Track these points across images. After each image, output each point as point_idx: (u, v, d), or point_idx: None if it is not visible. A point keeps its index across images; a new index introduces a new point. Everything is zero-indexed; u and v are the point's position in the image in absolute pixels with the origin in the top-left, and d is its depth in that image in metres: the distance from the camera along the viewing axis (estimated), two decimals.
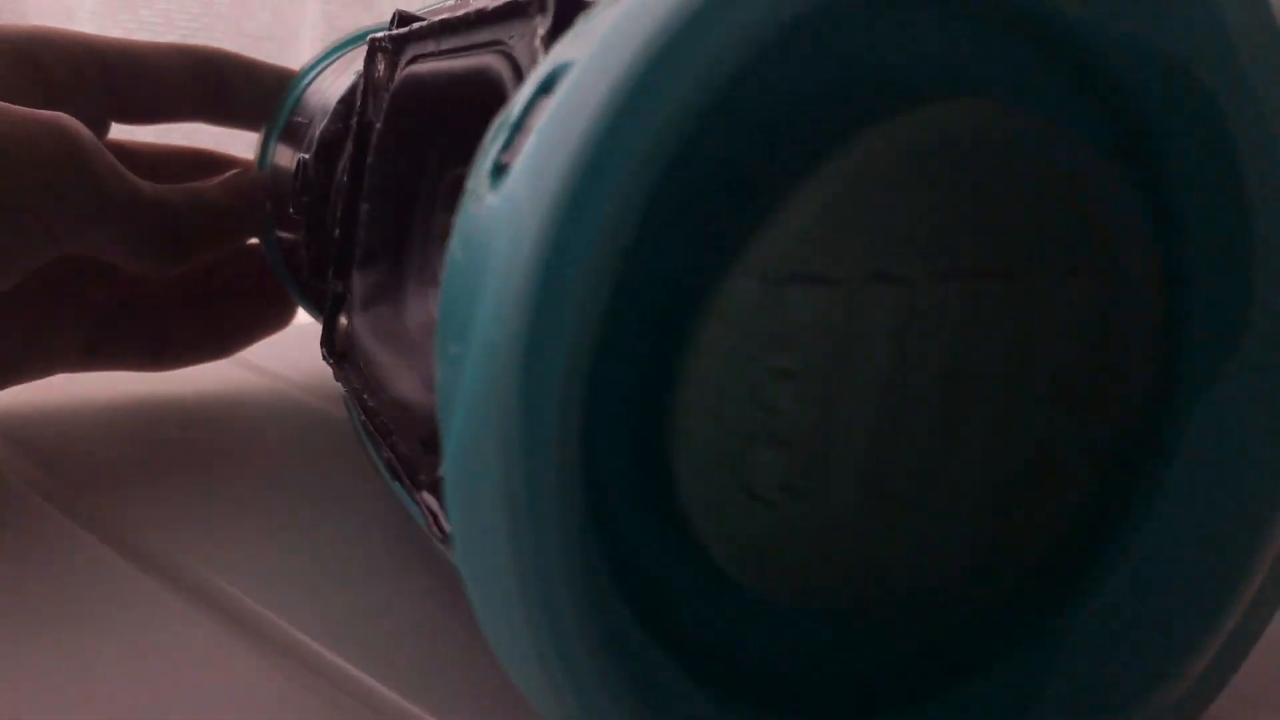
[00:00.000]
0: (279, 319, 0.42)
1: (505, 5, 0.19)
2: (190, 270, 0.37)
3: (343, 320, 0.29)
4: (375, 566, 0.27)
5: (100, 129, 0.38)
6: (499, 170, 0.15)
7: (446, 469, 0.14)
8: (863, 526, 0.17)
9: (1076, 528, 0.20)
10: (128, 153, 0.39)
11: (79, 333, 0.37)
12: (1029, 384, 0.17)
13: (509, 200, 0.14)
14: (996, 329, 0.16)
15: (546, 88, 0.15)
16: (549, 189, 0.13)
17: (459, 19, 0.21)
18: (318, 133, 0.30)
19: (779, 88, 0.15)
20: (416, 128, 0.26)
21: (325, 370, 0.45)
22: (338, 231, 0.29)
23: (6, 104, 0.29)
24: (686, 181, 0.15)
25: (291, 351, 0.46)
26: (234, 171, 0.37)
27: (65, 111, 0.31)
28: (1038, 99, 0.17)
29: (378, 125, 0.27)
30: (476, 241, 0.14)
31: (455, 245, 0.15)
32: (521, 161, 0.14)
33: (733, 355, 0.15)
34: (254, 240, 0.39)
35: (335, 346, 0.29)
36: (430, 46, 0.24)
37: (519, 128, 0.15)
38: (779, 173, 0.15)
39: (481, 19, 0.20)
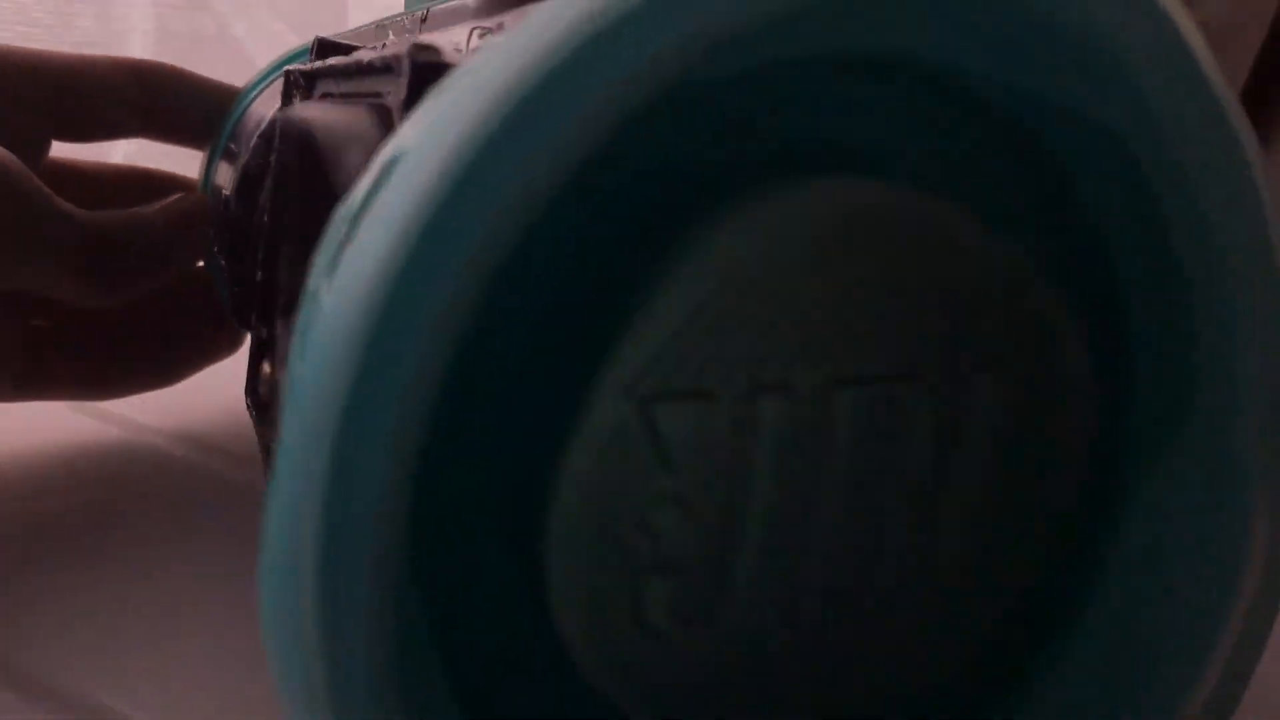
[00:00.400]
0: (227, 345, 0.40)
1: (381, 60, 0.17)
2: (132, 295, 0.35)
3: (266, 368, 0.27)
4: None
5: (40, 148, 0.36)
6: (334, 266, 0.13)
7: (259, 579, 0.12)
8: (771, 653, 0.16)
9: (1019, 621, 0.18)
10: (67, 172, 0.37)
11: (11, 363, 0.35)
12: (953, 488, 0.15)
13: (333, 305, 0.12)
14: (905, 435, 0.15)
15: (386, 176, 0.13)
16: (360, 300, 0.11)
17: (347, 66, 0.19)
18: (240, 168, 0.29)
19: (630, 182, 0.14)
20: (324, 172, 0.24)
21: (199, 417, 0.39)
22: (260, 274, 0.27)
23: None
24: (538, 288, 0.14)
25: (156, 395, 0.39)
26: (176, 196, 0.35)
27: (3, 130, 0.30)
28: (954, 180, 0.15)
29: (293, 164, 0.25)
30: (307, 347, 0.13)
31: (293, 350, 0.14)
32: (345, 263, 0.12)
33: (607, 482, 0.13)
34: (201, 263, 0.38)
35: (258, 396, 0.27)
36: (333, 87, 0.22)
37: (358, 221, 0.13)
38: (635, 276, 0.13)
39: (360, 70, 0.18)
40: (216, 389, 0.37)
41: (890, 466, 0.15)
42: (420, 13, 0.21)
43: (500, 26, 0.16)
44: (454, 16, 0.19)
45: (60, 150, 0.38)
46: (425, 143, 0.11)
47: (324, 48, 0.26)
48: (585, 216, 0.14)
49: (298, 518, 0.11)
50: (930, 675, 0.17)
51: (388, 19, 0.25)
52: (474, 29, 0.17)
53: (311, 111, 0.24)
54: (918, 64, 0.14)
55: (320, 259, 0.14)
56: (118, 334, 0.38)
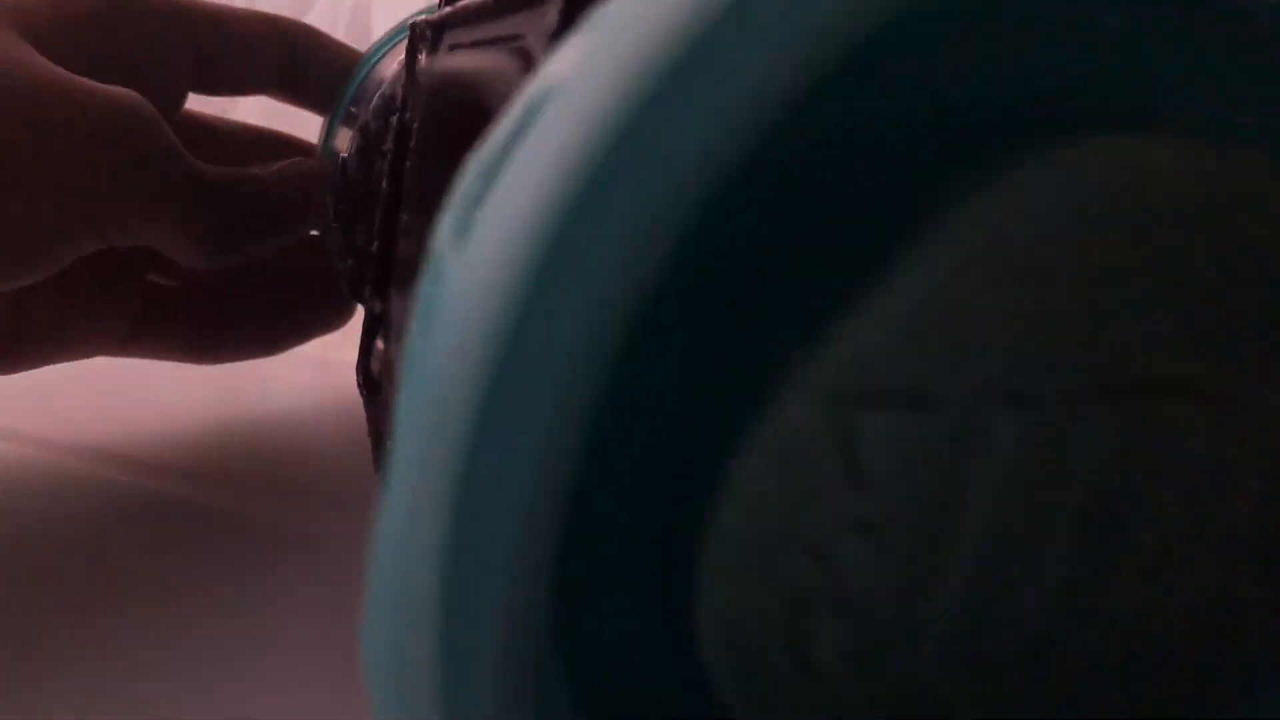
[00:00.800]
0: (338, 317, 0.38)
1: None
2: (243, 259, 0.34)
3: (379, 345, 0.25)
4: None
5: (178, 99, 0.35)
6: (464, 230, 0.11)
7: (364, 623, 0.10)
8: (945, 701, 0.13)
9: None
10: (195, 125, 0.36)
11: (121, 320, 0.34)
12: (1206, 529, 0.12)
13: (463, 279, 0.10)
14: (1167, 463, 0.12)
15: (531, 118, 0.10)
16: (499, 279, 0.08)
17: (478, 6, 0.17)
18: (358, 130, 0.27)
19: (834, 135, 0.11)
20: (455, 129, 0.22)
21: (85, 422, 0.35)
22: (376, 243, 0.25)
23: (67, 75, 0.26)
24: (710, 269, 0.11)
25: (30, 398, 0.34)
26: (293, 160, 0.34)
27: (144, 78, 0.29)
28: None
29: (416, 124, 0.23)
30: (430, 329, 0.10)
31: (413, 328, 0.11)
32: (479, 230, 0.10)
33: (782, 499, 0.11)
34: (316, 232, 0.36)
35: (370, 375, 0.25)
36: (463, 36, 0.20)
37: (496, 174, 0.11)
38: (840, 253, 0.10)
39: (499, 7, 0.15)
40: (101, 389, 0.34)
41: (1142, 501, 0.12)
42: None
43: None
44: None
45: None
46: (587, 74, 0.09)
47: None
48: (766, 188, 0.11)
49: (412, 546, 0.09)
50: None
51: None
52: None
53: (439, 63, 0.22)
54: None
55: (447, 220, 0.11)
56: (231, 298, 0.37)
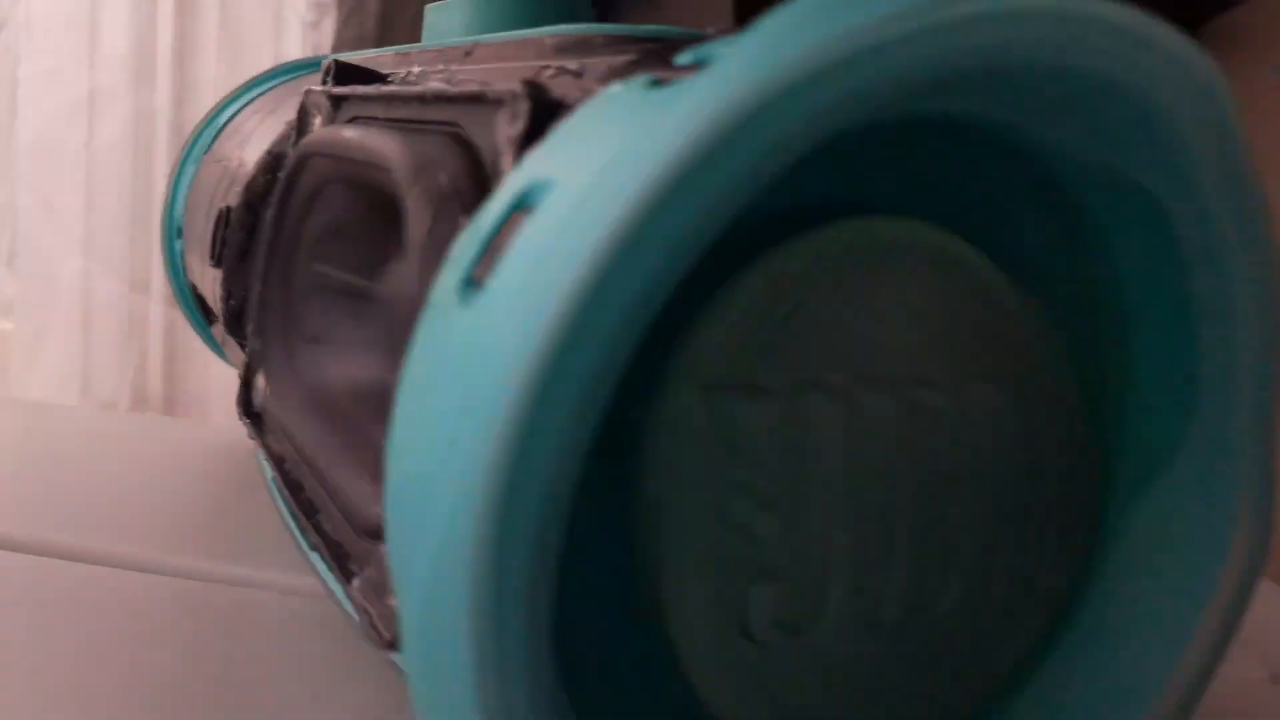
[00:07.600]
0: None
1: (467, 94, 0.18)
2: None
3: (260, 380, 0.27)
4: None
5: None
6: (470, 285, 0.14)
7: (405, 628, 0.13)
8: (853, 659, 0.17)
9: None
10: None
11: None
12: (986, 498, 0.17)
13: (486, 321, 0.13)
14: (943, 440, 0.17)
15: (523, 204, 0.14)
16: (541, 314, 0.12)
17: (411, 96, 0.20)
18: (244, 184, 0.29)
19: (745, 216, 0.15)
20: (346, 195, 0.25)
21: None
22: (259, 287, 0.27)
23: None
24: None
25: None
26: None
27: None
28: (967, 216, 0.18)
29: (298, 184, 0.26)
30: (445, 361, 0.14)
31: (417, 363, 0.15)
32: (503, 280, 0.13)
33: (692, 474, 0.15)
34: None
35: (253, 407, 0.28)
36: (369, 110, 0.23)
37: (492, 242, 0.14)
38: (704, 283, 0.15)
39: (428, 99, 0.19)
40: None
41: (937, 470, 0.17)
42: (465, 46, 0.22)
43: (584, 71, 0.17)
44: (513, 52, 0.20)
45: None
46: (605, 174, 0.12)
47: (345, 71, 0.27)
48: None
49: (447, 552, 0.12)
50: (964, 685, 0.19)
51: (414, 48, 0.26)
52: (546, 68, 0.19)
53: (336, 132, 0.24)
54: (978, 125, 0.16)
55: (447, 276, 0.15)
56: None
